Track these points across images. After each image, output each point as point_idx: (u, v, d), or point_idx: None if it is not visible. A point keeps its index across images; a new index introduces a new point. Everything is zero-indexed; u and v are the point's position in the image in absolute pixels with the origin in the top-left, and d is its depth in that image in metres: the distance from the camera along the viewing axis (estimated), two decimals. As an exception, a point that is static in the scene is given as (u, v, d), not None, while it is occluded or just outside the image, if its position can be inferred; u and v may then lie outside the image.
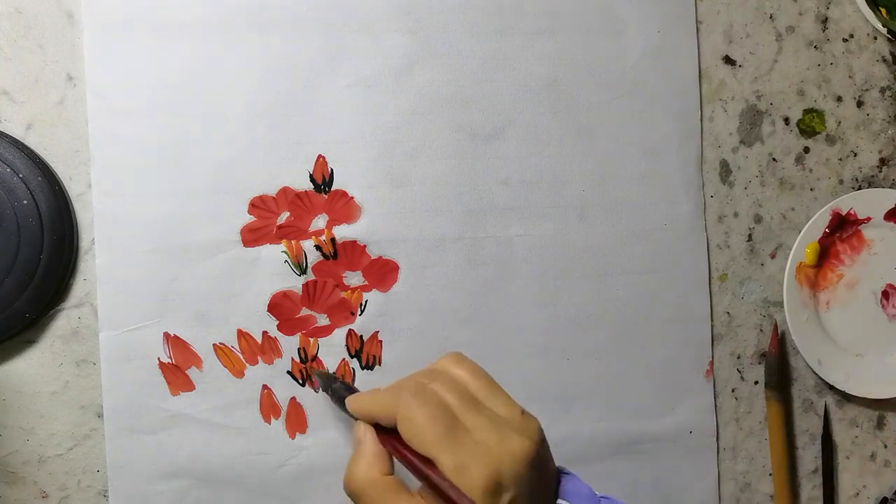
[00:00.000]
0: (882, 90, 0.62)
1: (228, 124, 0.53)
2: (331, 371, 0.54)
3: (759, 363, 0.60)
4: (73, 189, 0.51)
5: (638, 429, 0.58)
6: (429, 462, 0.35)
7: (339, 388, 0.47)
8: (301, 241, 0.54)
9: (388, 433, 0.39)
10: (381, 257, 0.55)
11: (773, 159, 0.60)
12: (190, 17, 0.52)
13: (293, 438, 0.54)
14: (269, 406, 0.54)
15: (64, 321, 0.52)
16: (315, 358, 0.54)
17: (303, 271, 0.54)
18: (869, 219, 0.60)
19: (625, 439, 0.58)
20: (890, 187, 0.62)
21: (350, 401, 0.41)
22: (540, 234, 0.56)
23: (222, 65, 0.52)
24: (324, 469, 0.54)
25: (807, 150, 0.61)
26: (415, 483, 0.38)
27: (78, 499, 0.52)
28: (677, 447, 0.59)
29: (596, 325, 0.57)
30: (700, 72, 0.59)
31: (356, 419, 0.42)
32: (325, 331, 0.54)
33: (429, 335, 0.55)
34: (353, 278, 0.54)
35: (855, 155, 0.61)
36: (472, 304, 0.56)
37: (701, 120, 0.59)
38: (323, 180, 0.54)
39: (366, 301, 0.55)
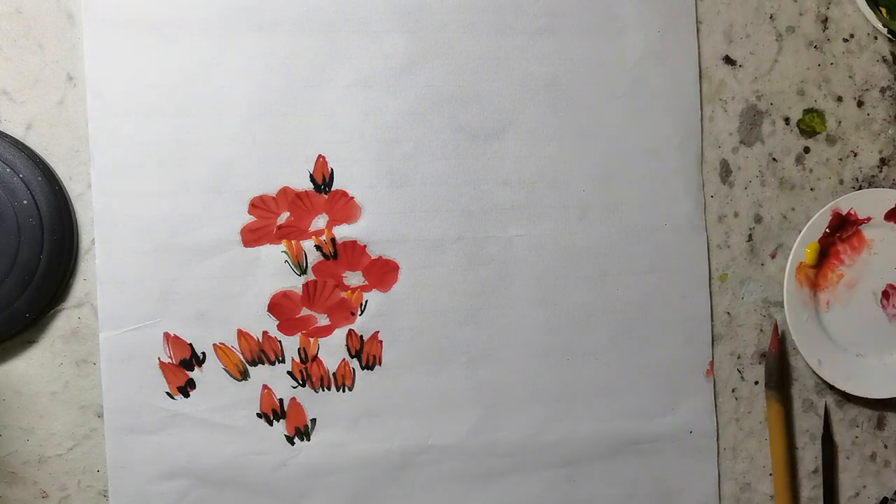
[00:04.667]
0: (882, 90, 0.62)
1: (228, 124, 0.53)
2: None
3: (759, 363, 0.60)
4: (73, 189, 0.51)
5: (638, 429, 0.58)
6: None
7: None
8: (301, 241, 0.54)
9: None
10: (381, 257, 0.55)
11: (773, 159, 0.60)
12: (190, 17, 0.52)
13: (293, 438, 0.54)
14: (269, 406, 0.54)
15: (64, 321, 0.52)
16: (315, 358, 0.54)
17: (303, 271, 0.54)
18: (869, 219, 0.60)
19: (625, 439, 0.58)
20: (890, 187, 0.62)
21: None
22: (540, 234, 0.56)
23: (222, 65, 0.52)
24: (324, 469, 0.54)
25: (807, 150, 0.61)
26: None
27: (78, 499, 0.52)
28: (677, 447, 0.59)
29: (596, 325, 0.57)
30: (700, 72, 0.59)
31: None
32: (326, 331, 0.54)
33: (429, 335, 0.55)
34: (353, 278, 0.54)
35: (855, 155, 0.61)
36: (472, 304, 0.56)
37: (701, 120, 0.59)
38: (323, 180, 0.54)
39: (366, 301, 0.55)
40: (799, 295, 0.59)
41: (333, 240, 0.54)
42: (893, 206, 0.60)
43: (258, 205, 0.53)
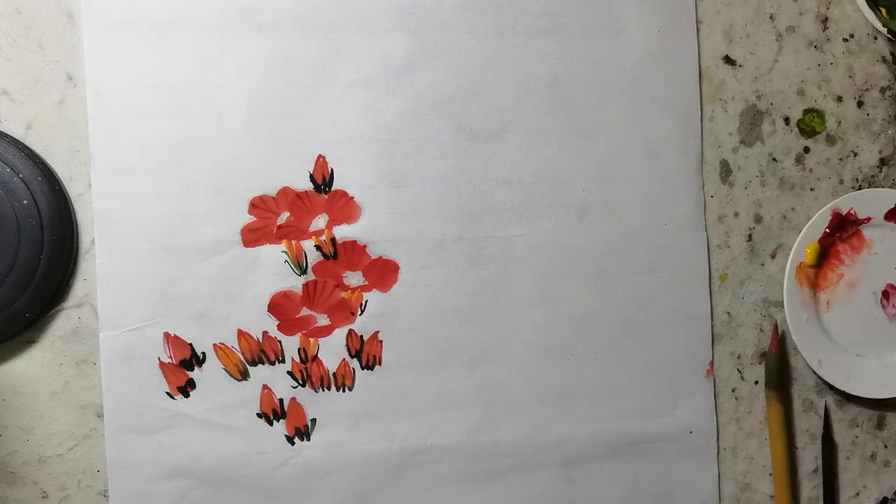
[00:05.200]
0: (882, 90, 0.62)
1: (228, 124, 0.53)
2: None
3: (759, 363, 0.60)
4: (73, 189, 0.51)
5: (638, 429, 0.58)
6: None
7: None
8: (301, 241, 0.54)
9: None
10: (381, 257, 0.55)
11: (773, 159, 0.60)
12: (190, 17, 0.52)
13: (293, 438, 0.54)
14: (269, 406, 0.54)
15: (64, 321, 0.52)
16: (315, 358, 0.54)
17: (303, 271, 0.54)
18: (869, 219, 0.60)
19: (625, 439, 0.58)
20: (890, 187, 0.62)
21: None
22: (540, 234, 0.56)
23: (222, 65, 0.52)
24: (324, 469, 0.54)
25: (807, 150, 0.61)
26: None
27: (78, 499, 0.52)
28: (677, 447, 0.59)
29: (596, 325, 0.57)
30: (700, 72, 0.59)
31: None
32: (326, 331, 0.54)
33: (429, 335, 0.55)
34: (353, 278, 0.54)
35: (855, 155, 0.61)
36: (472, 304, 0.56)
37: (701, 120, 0.59)
38: (323, 180, 0.54)
39: (366, 301, 0.55)
40: (799, 295, 0.59)
41: (333, 240, 0.54)
42: (893, 206, 0.60)
43: (258, 205, 0.53)
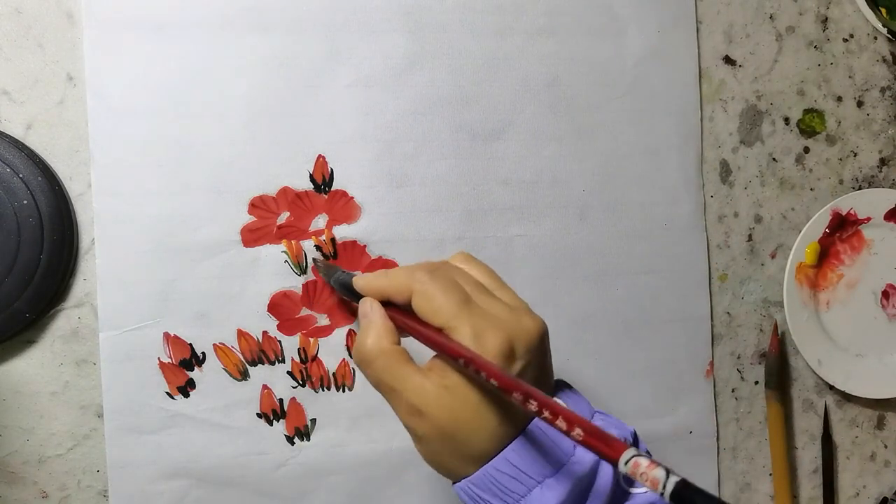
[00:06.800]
0: (882, 90, 0.62)
1: (228, 124, 0.53)
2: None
3: (759, 363, 0.60)
4: (73, 189, 0.51)
5: (638, 429, 0.58)
6: (442, 333, 0.36)
7: (343, 276, 0.46)
8: (301, 241, 0.54)
9: (393, 310, 0.39)
10: (381, 257, 0.55)
11: (773, 159, 0.60)
12: (190, 17, 0.52)
13: (293, 438, 0.54)
14: (269, 406, 0.54)
15: (64, 321, 0.52)
16: (315, 358, 0.54)
17: (303, 271, 0.54)
18: (869, 219, 0.60)
19: (625, 439, 0.58)
20: (890, 187, 0.62)
21: (360, 278, 0.41)
22: (540, 234, 0.56)
23: (222, 65, 0.52)
24: (324, 469, 0.54)
25: (807, 150, 0.61)
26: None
27: (78, 499, 0.52)
28: (677, 447, 0.59)
29: (596, 325, 0.57)
30: (700, 72, 0.59)
31: (360, 299, 0.41)
32: (325, 331, 0.54)
33: (429, 335, 0.55)
34: (353, 278, 0.54)
35: (855, 155, 0.61)
36: (472, 304, 0.56)
37: (701, 120, 0.59)
38: (323, 180, 0.54)
39: (366, 301, 0.54)
40: (799, 295, 0.59)
41: (333, 240, 0.54)
42: (893, 206, 0.60)
43: (258, 205, 0.53)
